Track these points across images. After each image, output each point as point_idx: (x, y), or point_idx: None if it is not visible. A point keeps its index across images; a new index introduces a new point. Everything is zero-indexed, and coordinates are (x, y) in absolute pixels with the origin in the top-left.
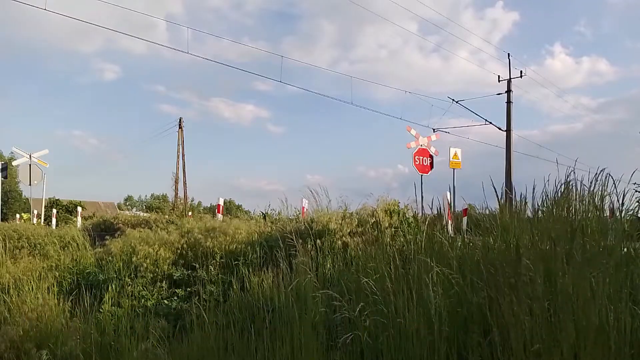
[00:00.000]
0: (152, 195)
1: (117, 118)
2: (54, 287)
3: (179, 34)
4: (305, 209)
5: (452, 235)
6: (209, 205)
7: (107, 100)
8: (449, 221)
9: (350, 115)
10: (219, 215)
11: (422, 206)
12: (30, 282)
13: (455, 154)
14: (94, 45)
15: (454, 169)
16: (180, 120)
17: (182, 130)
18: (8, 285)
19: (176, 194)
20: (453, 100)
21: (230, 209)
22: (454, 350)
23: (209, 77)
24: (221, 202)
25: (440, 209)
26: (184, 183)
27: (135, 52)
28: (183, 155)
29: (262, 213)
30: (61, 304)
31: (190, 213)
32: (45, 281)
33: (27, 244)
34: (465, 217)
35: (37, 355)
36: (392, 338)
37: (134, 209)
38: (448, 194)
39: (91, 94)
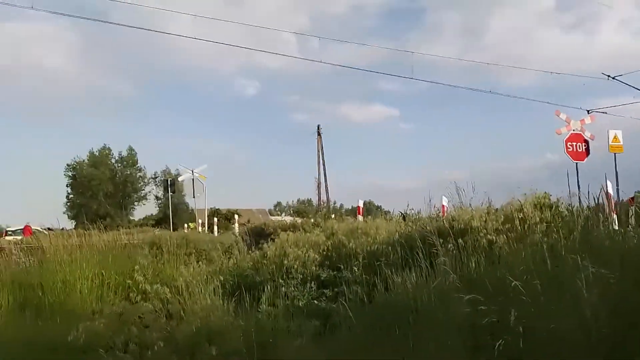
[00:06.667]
0: (298, 200)
1: (259, 129)
2: (218, 288)
3: (307, 44)
4: (445, 207)
5: (616, 228)
6: (349, 207)
7: (249, 114)
8: (612, 213)
9: (482, 105)
10: (360, 217)
11: (580, 198)
12: (200, 285)
13: (616, 137)
14: (235, 63)
15: (614, 154)
16: (318, 127)
17: (320, 137)
18: (182, 288)
19: (319, 197)
20: (608, 76)
21: (370, 209)
22: (618, 354)
23: (334, 83)
24: (361, 204)
25: (600, 199)
26: (326, 187)
27: (271, 66)
28: (323, 161)
29: (402, 213)
30: (225, 305)
31: (333, 215)
32: (211, 283)
33: (194, 250)
34: (633, 207)
35: (208, 350)
36: (542, 342)
37: (283, 214)
38: (609, 182)
39: (235, 109)
